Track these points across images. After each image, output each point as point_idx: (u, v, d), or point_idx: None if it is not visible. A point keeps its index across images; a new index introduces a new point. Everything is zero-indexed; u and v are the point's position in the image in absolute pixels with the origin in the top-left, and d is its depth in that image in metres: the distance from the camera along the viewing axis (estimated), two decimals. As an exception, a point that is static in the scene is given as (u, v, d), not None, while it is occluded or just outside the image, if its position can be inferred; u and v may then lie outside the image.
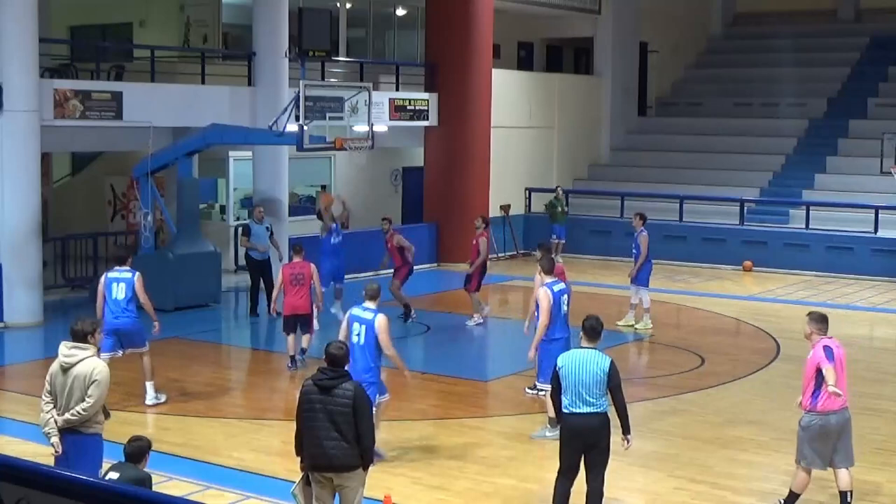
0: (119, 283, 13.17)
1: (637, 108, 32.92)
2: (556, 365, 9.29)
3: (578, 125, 30.25)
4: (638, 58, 32.55)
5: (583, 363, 9.08)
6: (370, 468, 8.52)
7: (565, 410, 9.14)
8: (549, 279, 12.20)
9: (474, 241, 18.53)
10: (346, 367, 8.35)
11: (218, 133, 19.56)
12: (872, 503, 10.41)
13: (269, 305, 17.01)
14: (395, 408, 13.80)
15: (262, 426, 12.83)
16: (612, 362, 9.16)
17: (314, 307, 15.43)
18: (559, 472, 9.32)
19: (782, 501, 10.03)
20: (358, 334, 10.76)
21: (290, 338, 15.26)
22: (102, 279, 13.34)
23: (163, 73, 21.22)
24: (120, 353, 13.20)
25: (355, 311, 10.96)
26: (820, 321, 9.74)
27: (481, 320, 18.56)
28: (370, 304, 10.91)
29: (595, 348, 9.28)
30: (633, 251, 18.42)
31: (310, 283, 15.18)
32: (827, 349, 9.54)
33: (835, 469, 9.83)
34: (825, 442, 9.70)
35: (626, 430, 9.16)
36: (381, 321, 10.71)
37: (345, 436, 8.09)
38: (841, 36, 34.19)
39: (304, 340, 15.46)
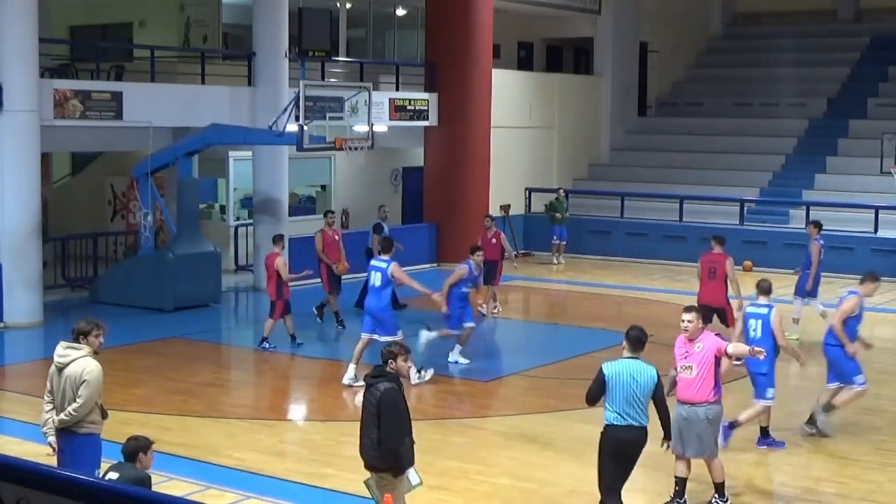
0: (376, 271, 14.34)
1: (637, 108, 32.92)
2: (600, 371, 9.07)
3: (578, 125, 30.25)
4: (638, 58, 32.55)
5: (632, 373, 8.92)
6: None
7: (613, 423, 8.89)
8: (763, 300, 11.84)
9: (493, 240, 19.15)
10: (388, 368, 8.35)
11: (218, 133, 19.56)
12: (872, 503, 10.41)
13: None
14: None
15: (262, 426, 12.83)
16: (657, 371, 9.07)
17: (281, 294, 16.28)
18: (606, 491, 8.99)
19: (717, 499, 10.07)
20: (755, 330, 11.36)
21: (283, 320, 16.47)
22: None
23: (163, 73, 21.21)
24: (376, 336, 14.13)
25: (750, 308, 11.57)
26: (703, 312, 10.11)
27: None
28: (763, 300, 11.47)
29: (639, 358, 9.10)
30: (804, 260, 17.71)
31: (275, 274, 16.03)
32: (717, 335, 9.96)
33: (692, 459, 9.98)
34: None
35: (668, 436, 9.34)
36: (775, 316, 11.30)
37: (369, 434, 8.21)
38: (841, 36, 34.19)
39: (288, 324, 16.46)
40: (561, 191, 26.58)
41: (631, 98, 32.32)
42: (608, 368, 9.02)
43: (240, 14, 24.84)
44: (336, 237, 18.24)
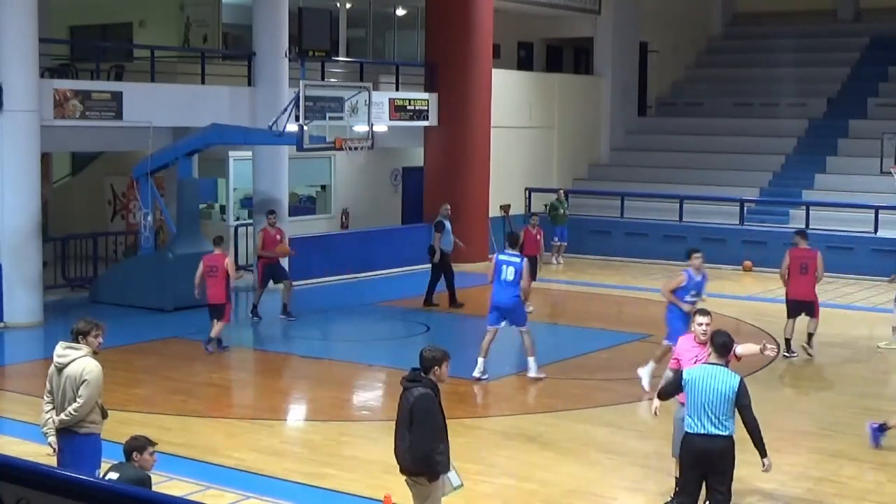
0: (509, 265, 14.55)
1: (637, 108, 32.92)
2: (680, 372, 8.98)
3: (578, 125, 30.25)
4: (638, 58, 32.55)
5: (711, 379, 8.64)
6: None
7: (689, 430, 8.71)
8: None
9: (538, 236, 20.35)
10: (431, 375, 8.30)
11: (218, 133, 19.57)
12: (872, 503, 10.41)
13: (453, 299, 19.93)
14: (395, 408, 13.80)
15: (262, 426, 12.83)
16: (741, 380, 8.75)
17: (228, 298, 16.35)
18: (678, 492, 9.05)
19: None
20: None
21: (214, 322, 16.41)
22: (494, 258, 14.89)
23: (163, 73, 21.21)
24: (502, 324, 14.68)
25: None
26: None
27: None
28: None
29: (724, 365, 8.83)
30: (894, 266, 17.46)
31: (223, 276, 16.06)
32: None
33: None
34: None
35: (762, 452, 8.86)
36: None
37: (402, 438, 8.23)
38: (841, 36, 34.19)
39: (214, 329, 16.21)
40: (561, 191, 26.61)
41: (631, 98, 32.33)
42: (688, 372, 8.85)
43: (240, 14, 24.84)
44: (278, 237, 18.74)
